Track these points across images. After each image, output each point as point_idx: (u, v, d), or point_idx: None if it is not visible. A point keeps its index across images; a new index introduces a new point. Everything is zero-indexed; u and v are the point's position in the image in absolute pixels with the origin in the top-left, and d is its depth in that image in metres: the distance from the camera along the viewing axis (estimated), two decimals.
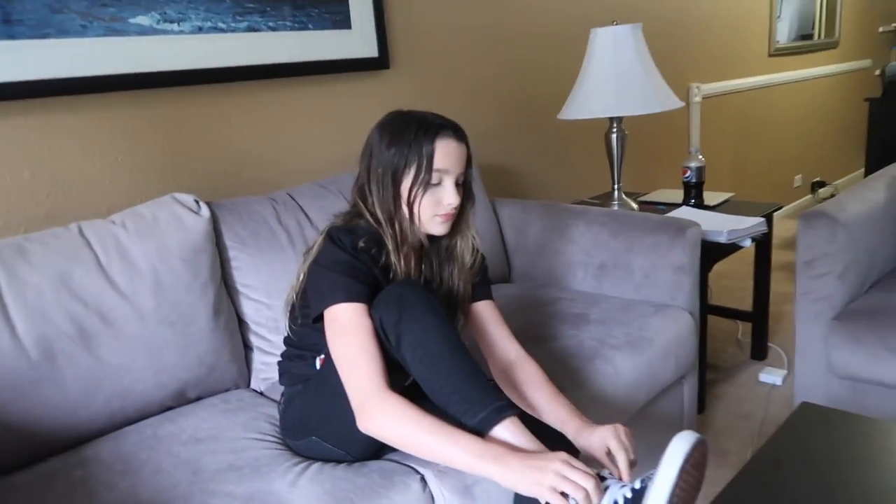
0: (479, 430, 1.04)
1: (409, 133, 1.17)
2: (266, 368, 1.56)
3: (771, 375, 2.27)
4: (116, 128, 1.62)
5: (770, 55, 3.93)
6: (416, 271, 1.26)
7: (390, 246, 1.18)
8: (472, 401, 1.06)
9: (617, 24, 2.22)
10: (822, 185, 4.38)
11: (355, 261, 1.15)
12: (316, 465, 1.18)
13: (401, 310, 1.08)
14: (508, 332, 1.32)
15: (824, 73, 4.46)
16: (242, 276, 1.56)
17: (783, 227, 4.01)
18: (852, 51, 4.72)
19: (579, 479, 0.95)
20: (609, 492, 0.96)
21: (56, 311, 1.27)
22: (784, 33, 4.01)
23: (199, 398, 1.46)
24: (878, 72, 4.86)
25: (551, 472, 0.96)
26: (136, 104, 1.64)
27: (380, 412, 1.04)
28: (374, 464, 1.20)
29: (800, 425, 1.21)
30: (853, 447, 1.13)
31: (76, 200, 1.58)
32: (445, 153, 1.17)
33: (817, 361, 1.79)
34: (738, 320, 2.71)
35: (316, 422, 1.20)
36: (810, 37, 4.27)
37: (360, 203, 1.22)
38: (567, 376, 1.46)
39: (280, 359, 1.35)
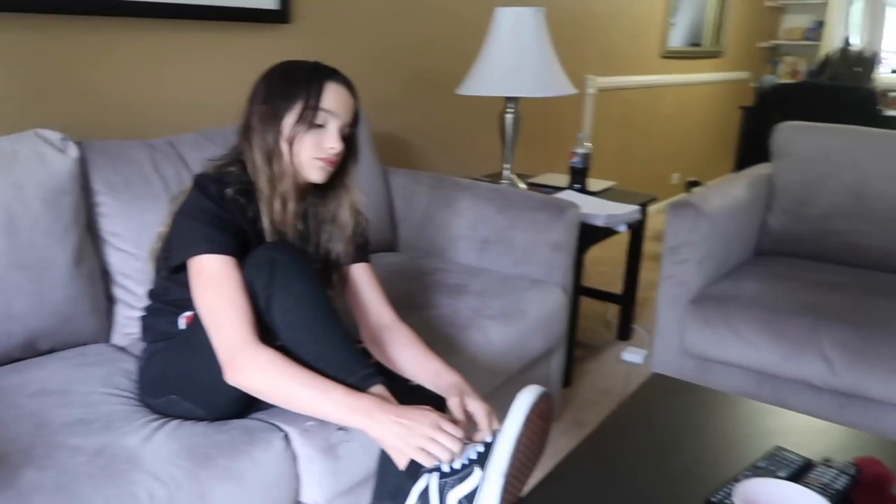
0: None
1: (301, 72, 1.16)
2: (130, 323, 1.49)
3: (633, 354, 2.43)
4: None
5: (662, 56, 4.13)
6: (289, 227, 1.23)
7: (264, 192, 1.15)
8: (341, 367, 1.06)
9: (520, 7, 2.26)
10: (696, 184, 4.67)
11: (222, 210, 1.12)
12: (174, 422, 1.14)
13: (272, 273, 1.06)
14: (384, 296, 1.32)
15: (708, 79, 4.75)
16: (110, 223, 1.47)
17: (657, 220, 4.26)
18: (735, 62, 5.05)
19: (447, 442, 0.98)
20: (465, 449, 1.00)
21: None
22: (676, 38, 4.23)
23: (52, 350, 1.37)
24: (754, 84, 5.25)
25: (420, 432, 0.98)
26: (2, 26, 1.51)
27: (250, 364, 1.02)
28: (236, 422, 1.18)
29: (648, 394, 1.30)
30: (693, 414, 1.24)
31: None
32: (335, 97, 1.16)
33: (673, 341, 1.93)
34: (607, 302, 2.86)
35: (177, 379, 1.16)
36: (699, 45, 4.54)
37: (243, 143, 1.18)
38: (440, 343, 1.48)
39: (143, 313, 1.29)
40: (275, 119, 1.15)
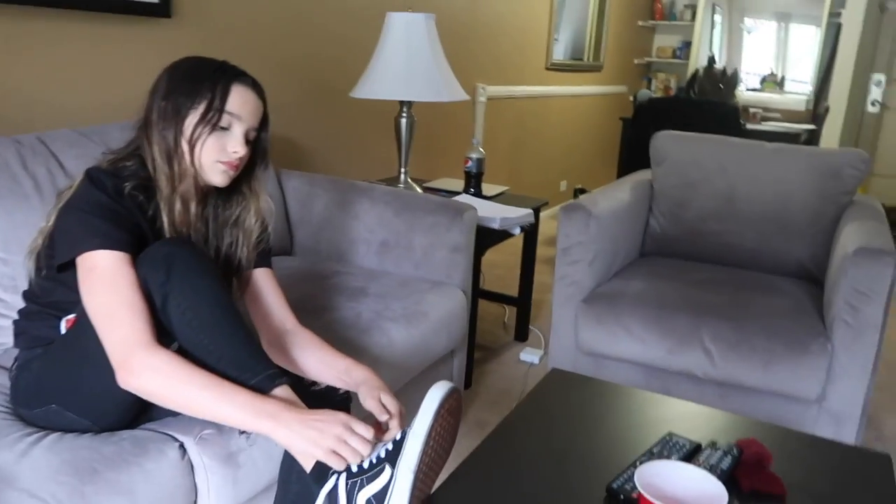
0: None
1: (206, 70, 1.11)
2: None
3: (530, 355, 2.49)
4: None
5: (547, 68, 4.30)
6: (190, 228, 1.17)
7: (164, 191, 1.09)
8: (244, 367, 1.02)
9: (412, 11, 2.27)
10: (583, 191, 4.89)
11: (117, 205, 1.04)
12: (54, 435, 1.05)
13: (169, 269, 1.00)
14: (285, 302, 1.28)
15: (590, 91, 4.99)
16: None
17: (548, 225, 4.42)
18: (613, 76, 5.34)
19: (357, 444, 0.96)
20: (374, 448, 0.98)
21: None
22: (559, 52, 4.42)
23: None
24: (631, 97, 5.57)
25: (331, 435, 0.95)
26: None
27: (146, 367, 0.96)
28: (125, 433, 1.09)
29: (547, 389, 1.34)
30: (590, 406, 1.28)
31: None
32: (241, 99, 1.11)
33: (568, 339, 2.00)
34: (505, 305, 2.92)
35: (57, 388, 1.06)
36: (581, 59, 4.76)
37: (142, 138, 1.11)
38: (342, 345, 1.45)
39: (17, 317, 1.18)
40: (177, 117, 1.09)
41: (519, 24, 3.89)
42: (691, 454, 1.10)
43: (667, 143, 2.38)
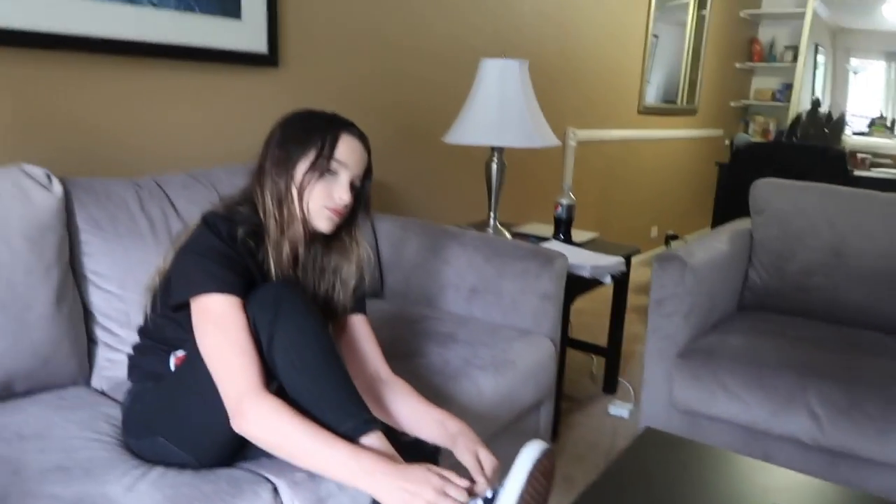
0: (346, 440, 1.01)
1: (317, 122, 1.17)
2: (111, 366, 1.44)
3: (619, 409, 2.41)
4: None
5: (639, 112, 4.24)
6: (294, 273, 1.22)
7: (272, 236, 1.14)
8: (341, 410, 1.03)
9: (505, 58, 2.30)
10: (674, 238, 4.75)
11: (231, 250, 1.10)
12: (158, 469, 1.09)
13: (277, 309, 1.04)
14: (380, 350, 1.30)
15: (683, 135, 4.88)
16: (93, 262, 1.43)
17: (638, 272, 4.30)
18: (708, 119, 5.21)
19: (456, 495, 0.95)
20: None
21: None
22: (651, 95, 4.36)
23: (28, 393, 1.32)
24: (727, 141, 5.40)
25: (424, 498, 0.95)
26: None
27: (256, 413, 0.99)
28: (222, 471, 1.13)
29: (642, 449, 1.28)
30: (688, 470, 1.22)
31: None
32: (348, 148, 1.16)
33: (661, 395, 1.92)
34: (593, 355, 2.85)
35: (164, 421, 1.11)
36: (674, 102, 4.68)
37: (255, 186, 1.18)
38: (431, 393, 1.45)
39: (131, 352, 1.25)
40: (288, 164, 1.16)
41: (611, 67, 3.87)
42: None
43: (768, 191, 2.28)
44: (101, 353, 1.43)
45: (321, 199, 1.16)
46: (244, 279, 1.09)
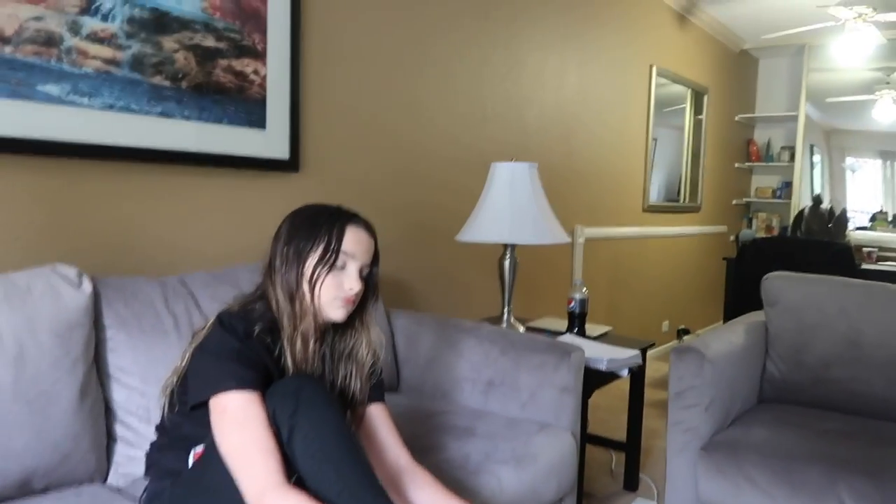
0: None
1: (322, 216, 1.21)
2: (128, 462, 1.42)
3: None
4: (2, 190, 1.53)
5: (644, 210, 4.35)
6: (310, 364, 1.23)
7: (286, 330, 1.16)
8: (361, 500, 1.02)
9: (514, 161, 2.40)
10: (686, 332, 4.74)
11: (246, 348, 1.11)
12: None
13: (297, 401, 1.05)
14: (400, 438, 1.30)
15: (688, 232, 4.97)
16: (117, 357, 1.45)
17: (652, 367, 4.25)
18: (712, 216, 5.31)
19: None
20: None
21: None
22: (655, 194, 4.48)
23: (45, 490, 1.30)
24: (732, 238, 5.48)
25: None
26: (26, 170, 1.56)
27: None
28: None
29: None
30: None
31: None
32: (355, 239, 1.20)
33: (686, 490, 1.86)
34: (612, 451, 2.78)
35: None
36: (677, 200, 4.80)
37: (267, 282, 1.21)
38: (452, 488, 1.42)
39: (149, 449, 1.24)
40: (297, 260, 1.19)
41: (615, 167, 4.01)
42: None
43: (779, 284, 2.31)
44: (120, 450, 1.43)
45: (332, 291, 1.19)
46: (262, 375, 1.10)
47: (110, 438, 1.43)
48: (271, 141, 2.06)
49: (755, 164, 5.80)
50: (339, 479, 1.02)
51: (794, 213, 5.16)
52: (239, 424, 1.03)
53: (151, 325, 1.51)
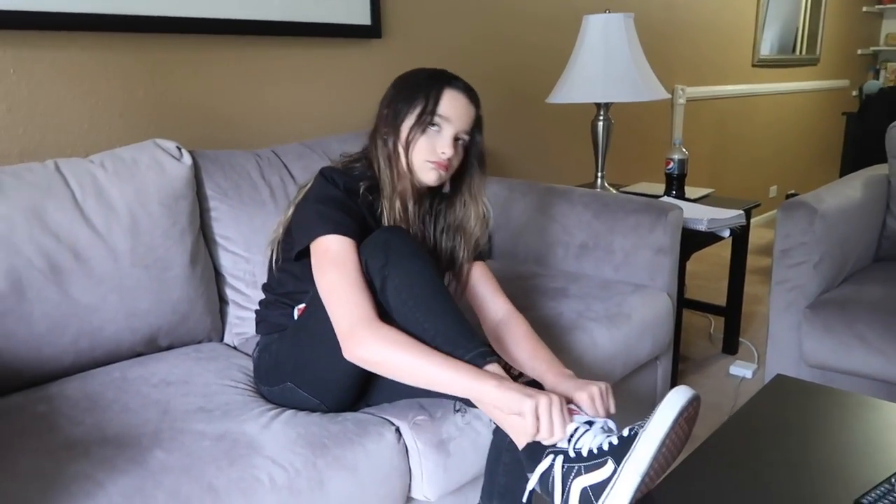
0: None
1: (422, 78, 1.20)
2: (241, 323, 1.53)
3: (741, 369, 2.30)
4: (100, 69, 1.58)
5: (753, 65, 3.99)
6: (408, 225, 1.25)
7: (386, 190, 1.19)
8: (456, 344, 1.05)
9: (609, 13, 2.23)
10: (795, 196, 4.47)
11: (347, 199, 1.15)
12: (289, 412, 1.16)
13: (387, 254, 1.08)
14: (499, 289, 1.32)
15: (804, 88, 4.55)
16: (221, 227, 1.53)
17: (756, 234, 4.07)
18: (831, 70, 4.82)
19: (557, 423, 0.96)
20: (592, 434, 0.96)
21: (27, 243, 1.23)
22: (767, 46, 4.08)
23: (170, 347, 1.43)
24: (854, 92, 4.99)
25: (545, 397, 0.97)
26: (122, 47, 1.60)
27: (371, 338, 1.03)
28: (347, 415, 1.18)
29: (774, 395, 1.22)
30: (828, 416, 1.15)
31: (52, 140, 1.54)
32: (452, 103, 1.18)
33: (789, 350, 1.81)
34: (710, 316, 2.74)
35: (292, 367, 1.17)
36: (792, 52, 4.36)
37: (371, 145, 1.23)
38: (546, 343, 1.45)
39: (258, 307, 1.33)
40: (395, 122, 1.19)
41: (722, 19, 3.66)
42: None
43: None
44: (232, 312, 1.53)
45: (424, 154, 1.18)
46: (360, 226, 1.14)
47: (222, 301, 1.53)
48: (352, 5, 2.00)
49: (888, 6, 5.13)
50: (431, 324, 1.05)
51: None
52: (336, 265, 1.08)
53: (250, 196, 1.57)
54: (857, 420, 1.14)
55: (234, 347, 1.50)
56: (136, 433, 1.06)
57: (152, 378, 1.25)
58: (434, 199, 1.31)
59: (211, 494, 0.93)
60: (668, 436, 0.89)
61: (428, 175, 1.20)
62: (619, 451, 0.91)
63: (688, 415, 0.92)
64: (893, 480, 0.91)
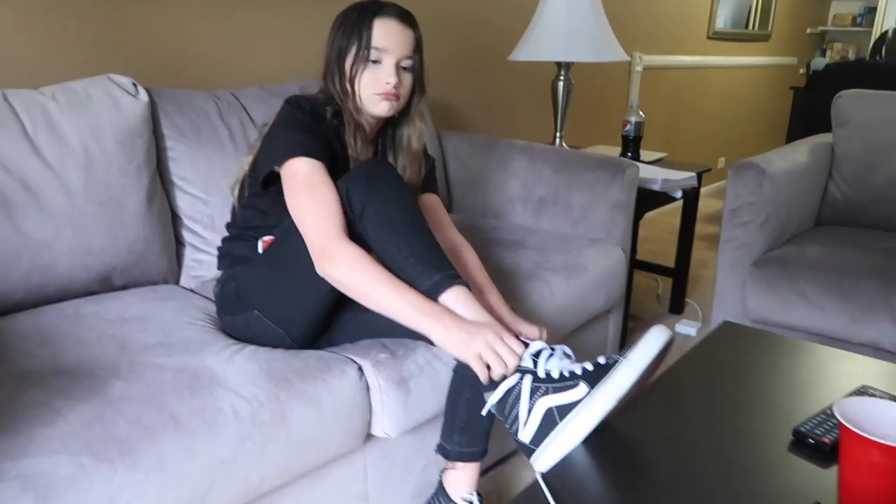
0: (432, 293, 1.06)
1: (354, 13, 1.19)
2: (198, 266, 1.51)
3: (686, 327, 2.39)
4: (51, 0, 1.51)
5: (709, 37, 4.07)
6: (365, 157, 1.27)
7: (348, 125, 1.19)
8: (428, 264, 1.07)
9: None
10: None
11: (314, 123, 1.15)
12: (251, 347, 1.15)
13: (370, 181, 1.09)
14: (450, 221, 1.37)
15: (755, 62, 4.66)
16: (179, 167, 1.49)
17: (704, 203, 4.20)
18: (782, 47, 4.95)
19: (505, 355, 0.99)
20: (557, 358, 0.99)
21: None
22: (722, 20, 4.16)
23: (125, 287, 1.40)
24: (802, 70, 5.14)
25: (482, 340, 0.99)
26: None
27: (340, 256, 1.05)
28: (310, 352, 1.18)
29: (719, 340, 1.27)
30: (769, 356, 1.21)
31: None
32: (385, 32, 1.18)
33: (733, 306, 1.89)
34: (659, 277, 2.82)
35: (260, 296, 1.17)
36: (745, 27, 4.46)
37: (327, 83, 1.24)
38: (503, 292, 1.46)
39: (220, 244, 1.31)
40: (339, 61, 1.21)
41: None
42: None
43: (852, 102, 2.17)
44: (189, 254, 1.51)
45: (370, 87, 1.19)
46: (327, 149, 1.15)
47: (179, 244, 1.51)
48: None
49: None
50: (406, 246, 1.07)
51: (874, 41, 4.76)
52: (307, 186, 1.09)
53: (208, 137, 1.54)
54: (795, 361, 1.20)
55: (192, 290, 1.48)
56: (93, 366, 1.04)
57: (107, 314, 1.23)
58: (383, 128, 1.33)
59: (173, 422, 0.93)
60: (649, 366, 0.92)
61: (378, 107, 1.21)
62: (593, 376, 0.94)
63: (662, 355, 0.96)
64: (829, 411, 0.97)
